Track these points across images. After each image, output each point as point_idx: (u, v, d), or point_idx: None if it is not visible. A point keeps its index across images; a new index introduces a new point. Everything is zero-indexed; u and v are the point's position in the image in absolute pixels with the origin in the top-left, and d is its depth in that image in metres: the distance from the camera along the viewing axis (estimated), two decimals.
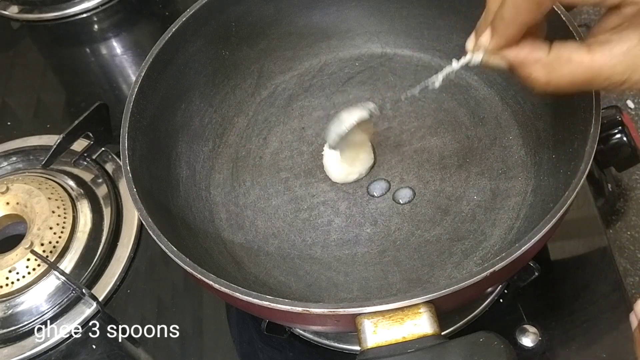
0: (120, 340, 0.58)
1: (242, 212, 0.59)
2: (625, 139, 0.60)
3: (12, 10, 0.89)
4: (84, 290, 0.58)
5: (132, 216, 0.65)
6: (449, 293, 0.39)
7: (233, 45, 0.63)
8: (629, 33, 0.36)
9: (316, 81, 0.66)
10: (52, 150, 0.66)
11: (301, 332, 0.55)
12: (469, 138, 0.59)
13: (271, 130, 0.64)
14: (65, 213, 0.63)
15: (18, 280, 0.59)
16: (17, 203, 0.64)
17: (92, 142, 0.69)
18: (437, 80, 0.45)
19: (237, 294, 0.41)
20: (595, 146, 0.44)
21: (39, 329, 0.59)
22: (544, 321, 0.52)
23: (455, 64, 0.44)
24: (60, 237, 0.62)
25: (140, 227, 0.64)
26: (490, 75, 0.61)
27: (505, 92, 0.60)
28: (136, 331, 0.59)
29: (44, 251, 0.60)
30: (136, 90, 0.53)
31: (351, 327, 0.40)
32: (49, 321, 0.59)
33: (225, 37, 0.62)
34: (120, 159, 0.53)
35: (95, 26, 0.87)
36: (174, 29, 0.57)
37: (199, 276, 0.43)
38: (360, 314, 0.39)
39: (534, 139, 0.56)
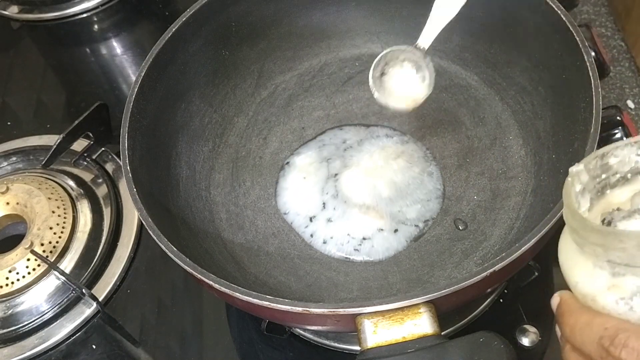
0: (120, 340, 0.58)
1: (242, 212, 0.59)
2: (625, 139, 0.60)
3: (12, 10, 0.89)
4: (84, 290, 0.58)
5: (132, 216, 0.65)
6: (449, 293, 0.39)
7: (233, 45, 0.63)
8: None
9: (316, 81, 0.66)
10: (52, 150, 0.66)
11: (301, 332, 0.55)
12: (469, 138, 0.59)
13: (271, 130, 0.64)
14: (65, 213, 0.63)
15: (18, 280, 0.59)
16: (17, 203, 0.63)
17: (92, 142, 0.69)
18: None
19: (237, 294, 0.41)
20: (596, 146, 0.44)
21: (39, 329, 0.59)
22: (544, 321, 0.52)
23: None
24: (60, 237, 0.62)
25: (140, 227, 0.64)
26: (490, 75, 0.61)
27: (505, 92, 0.60)
28: (136, 331, 0.59)
29: (44, 251, 0.60)
30: (136, 90, 0.53)
31: (351, 327, 0.40)
32: (49, 321, 0.59)
33: (225, 37, 0.62)
34: (120, 159, 0.53)
35: (95, 26, 0.87)
36: (174, 29, 0.57)
37: (199, 276, 0.43)
38: (360, 314, 0.39)
39: (534, 139, 0.56)
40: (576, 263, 0.31)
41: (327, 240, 0.55)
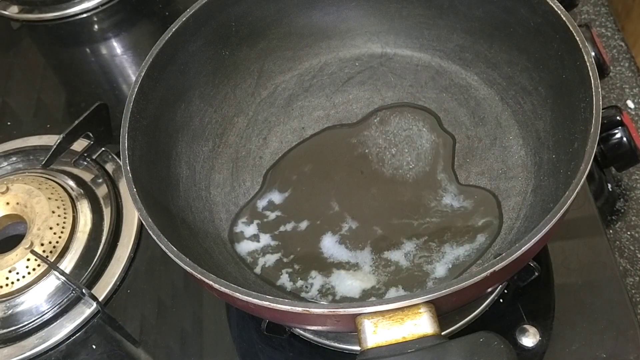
0: (120, 340, 0.58)
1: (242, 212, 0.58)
2: (625, 139, 0.60)
3: (12, 10, 0.88)
4: (84, 290, 0.58)
5: (132, 216, 0.65)
6: (449, 293, 0.39)
7: (233, 45, 0.63)
8: None
9: (316, 81, 0.66)
10: (52, 150, 0.66)
11: (301, 332, 0.55)
12: (469, 138, 0.59)
13: (271, 130, 0.64)
14: (65, 213, 0.63)
15: (18, 280, 0.59)
16: (17, 203, 0.63)
17: (92, 142, 0.69)
18: None
19: (237, 294, 0.41)
20: (596, 146, 0.44)
21: (39, 329, 0.59)
22: (544, 321, 0.52)
23: None
24: (60, 237, 0.62)
25: (140, 227, 0.64)
26: (490, 75, 0.61)
27: (505, 92, 0.60)
28: (136, 331, 0.59)
29: (44, 251, 0.60)
30: (136, 90, 0.53)
31: (351, 327, 0.40)
32: (49, 321, 0.59)
33: (225, 37, 0.62)
34: (120, 159, 0.53)
35: (95, 26, 0.87)
36: (174, 29, 0.57)
37: (199, 276, 0.43)
38: (360, 314, 0.39)
39: (534, 139, 0.56)
40: None
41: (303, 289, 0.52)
